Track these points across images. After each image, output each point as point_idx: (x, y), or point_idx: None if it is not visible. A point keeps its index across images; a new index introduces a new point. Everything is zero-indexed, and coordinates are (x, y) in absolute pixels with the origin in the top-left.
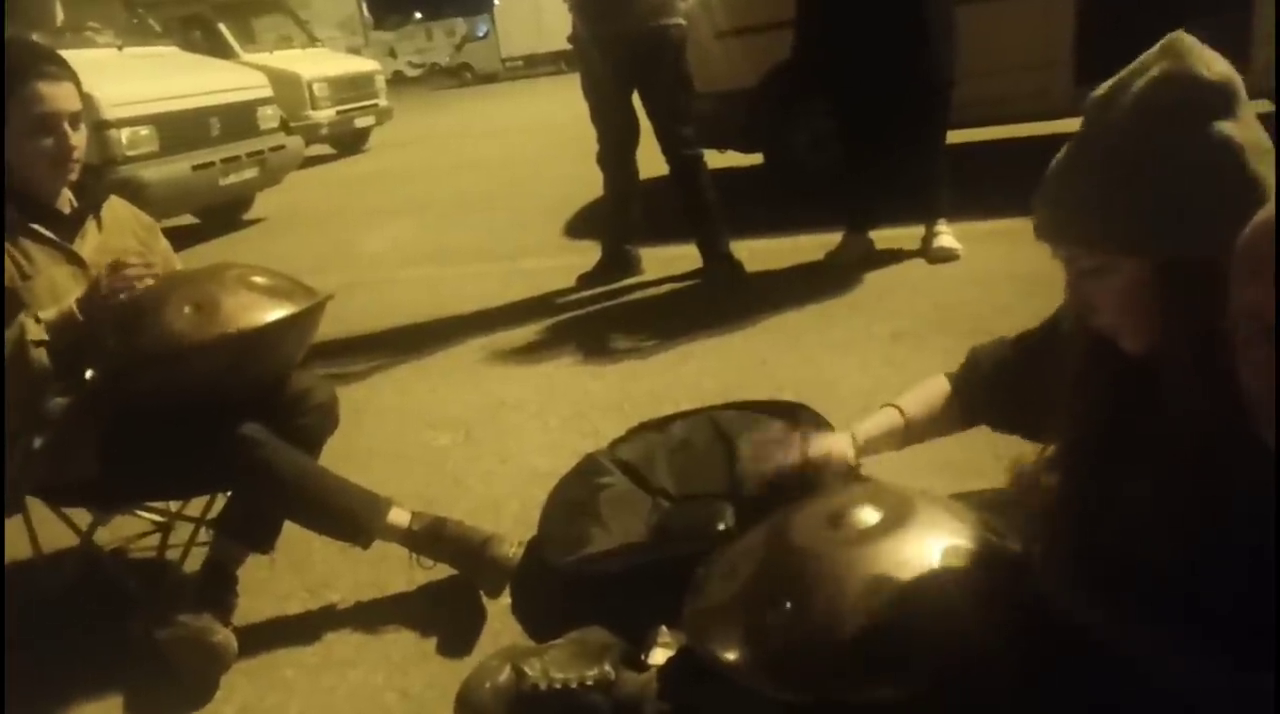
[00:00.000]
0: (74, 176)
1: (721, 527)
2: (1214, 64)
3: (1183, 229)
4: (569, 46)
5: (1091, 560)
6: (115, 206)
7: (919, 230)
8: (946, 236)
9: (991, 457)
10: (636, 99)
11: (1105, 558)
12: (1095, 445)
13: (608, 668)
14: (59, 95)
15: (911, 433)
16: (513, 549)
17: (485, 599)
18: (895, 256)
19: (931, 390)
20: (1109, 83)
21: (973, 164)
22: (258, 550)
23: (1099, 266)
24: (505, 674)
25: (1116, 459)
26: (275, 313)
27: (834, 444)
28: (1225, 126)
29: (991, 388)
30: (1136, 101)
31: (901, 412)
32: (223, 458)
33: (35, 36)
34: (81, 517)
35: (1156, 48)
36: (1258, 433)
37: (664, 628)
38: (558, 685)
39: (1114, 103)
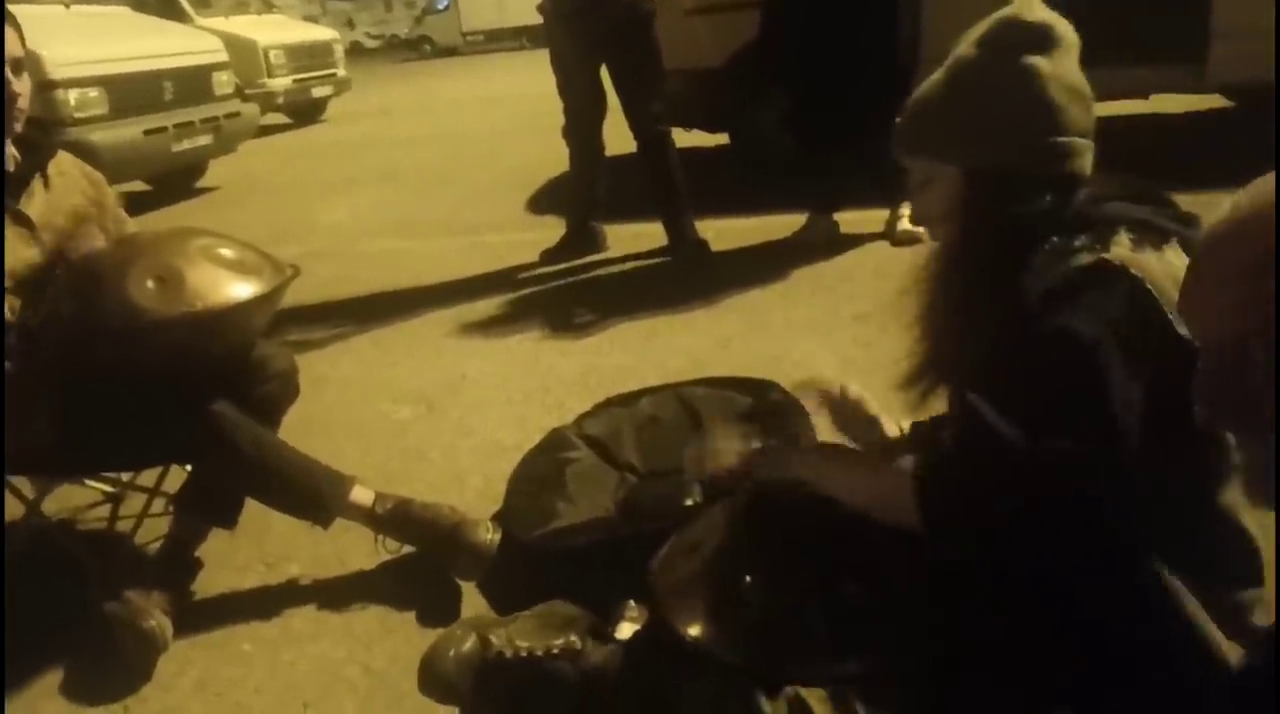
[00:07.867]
0: (19, 127)
1: (689, 502)
2: (1037, 9)
3: (985, 142)
4: (532, 22)
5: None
6: (62, 163)
7: (883, 213)
8: (910, 219)
9: None
10: (606, 76)
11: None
12: (943, 357)
13: (574, 638)
14: None
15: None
16: (489, 534)
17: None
18: (860, 239)
19: None
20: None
21: None
22: (220, 526)
23: (928, 177)
24: (470, 643)
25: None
26: (242, 290)
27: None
28: (1035, 59)
29: None
30: (977, 37)
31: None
32: (182, 431)
33: None
34: (28, 488)
35: None
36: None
37: (631, 602)
38: (524, 653)
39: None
